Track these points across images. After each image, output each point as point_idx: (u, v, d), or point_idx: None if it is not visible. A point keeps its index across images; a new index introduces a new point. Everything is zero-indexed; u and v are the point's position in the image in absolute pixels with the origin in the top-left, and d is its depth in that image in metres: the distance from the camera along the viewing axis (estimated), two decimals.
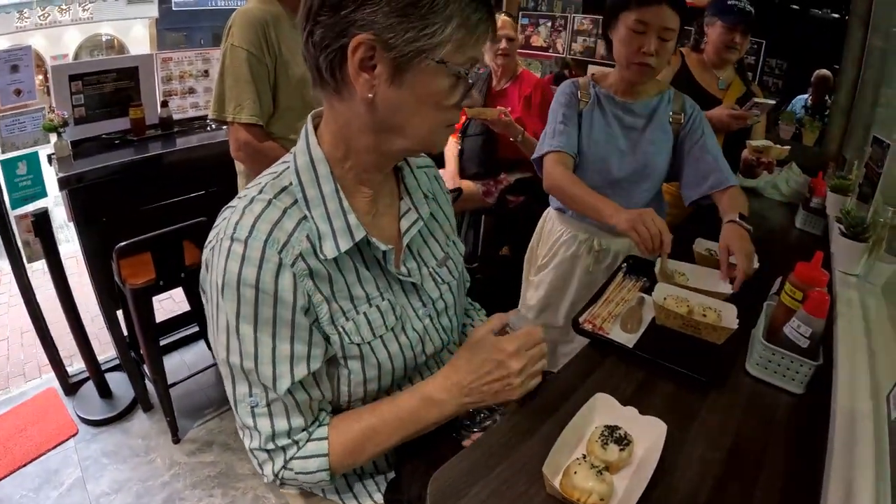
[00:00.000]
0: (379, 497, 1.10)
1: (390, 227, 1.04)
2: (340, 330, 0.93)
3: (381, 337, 0.97)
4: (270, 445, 0.92)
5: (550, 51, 4.11)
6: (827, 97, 3.05)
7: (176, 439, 2.48)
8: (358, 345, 0.94)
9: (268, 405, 0.90)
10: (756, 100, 2.23)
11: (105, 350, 2.88)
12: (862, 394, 1.08)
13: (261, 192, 0.90)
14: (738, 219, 1.61)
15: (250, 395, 0.90)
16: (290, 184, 0.91)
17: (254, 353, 0.87)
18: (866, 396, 1.07)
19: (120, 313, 2.57)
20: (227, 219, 0.88)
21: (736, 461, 1.02)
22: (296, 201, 0.90)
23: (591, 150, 1.83)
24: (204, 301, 0.92)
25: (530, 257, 2.23)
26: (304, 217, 0.89)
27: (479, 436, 1.06)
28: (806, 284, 1.23)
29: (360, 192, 0.97)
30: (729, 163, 2.27)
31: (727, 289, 1.47)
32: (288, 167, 0.94)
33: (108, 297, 2.52)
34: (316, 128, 0.96)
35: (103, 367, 2.72)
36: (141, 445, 2.46)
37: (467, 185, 2.98)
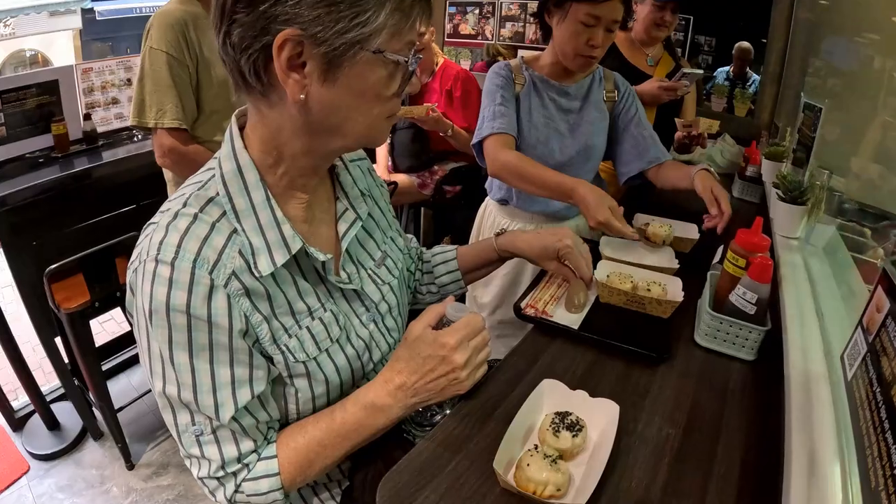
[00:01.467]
0: None
1: (328, 232, 0.98)
2: (284, 349, 0.87)
3: (326, 350, 0.92)
4: (220, 473, 0.86)
5: (479, 38, 4.08)
6: (748, 68, 3.17)
7: (130, 465, 2.39)
8: (304, 362, 0.89)
9: (213, 432, 0.84)
10: (685, 70, 2.26)
11: (50, 379, 2.77)
12: (815, 355, 1.08)
13: (185, 205, 0.82)
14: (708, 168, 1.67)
15: (193, 424, 0.84)
16: (217, 194, 0.84)
17: (192, 382, 0.80)
18: (819, 357, 1.07)
19: (60, 340, 2.46)
20: (149, 237, 0.80)
21: (693, 435, 1.01)
22: (224, 213, 0.83)
23: (532, 134, 1.81)
24: (133, 327, 0.85)
25: None
26: (235, 230, 0.82)
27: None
28: (748, 251, 1.24)
29: (294, 198, 0.91)
30: (662, 136, 2.31)
31: (672, 263, 1.47)
32: (213, 175, 0.86)
33: (45, 323, 2.41)
34: (242, 129, 0.89)
35: (49, 398, 2.61)
36: (95, 476, 2.37)
37: (402, 178, 2.96)
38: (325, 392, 0.94)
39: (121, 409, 2.36)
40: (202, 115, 1.93)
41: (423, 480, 0.87)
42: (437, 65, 2.93)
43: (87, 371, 2.21)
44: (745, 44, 3.14)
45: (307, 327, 0.90)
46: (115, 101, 2.86)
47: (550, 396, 1.03)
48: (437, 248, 1.37)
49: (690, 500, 0.87)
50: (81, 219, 2.47)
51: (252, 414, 0.86)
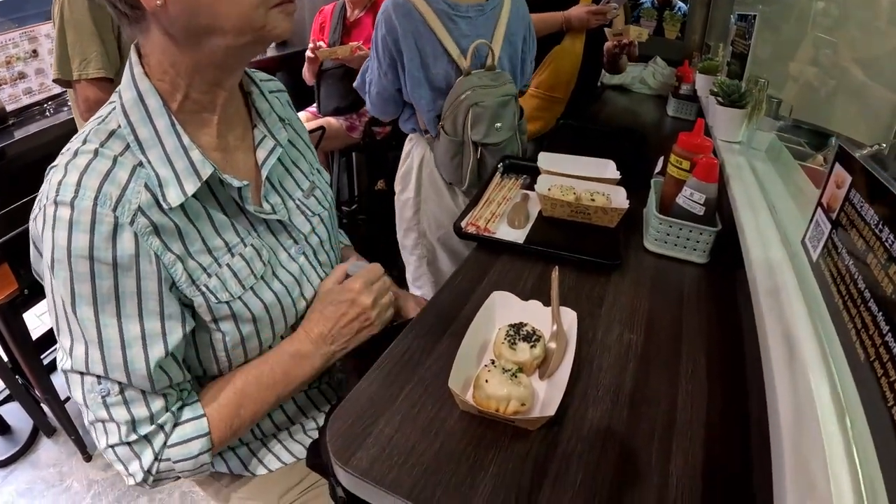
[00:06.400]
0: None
1: (245, 161, 0.91)
2: (204, 290, 0.80)
3: (251, 288, 0.85)
4: (133, 437, 0.78)
5: None
6: None
7: (87, 457, 2.30)
8: (227, 303, 0.82)
9: (121, 392, 0.77)
10: None
11: None
12: (774, 244, 1.07)
13: (84, 141, 0.75)
14: None
15: (99, 384, 0.76)
16: (119, 126, 0.77)
17: (97, 338, 0.73)
18: (779, 247, 1.05)
19: None
20: (49, 180, 0.73)
21: (655, 340, 0.99)
22: (128, 146, 0.76)
23: None
24: (46, 289, 0.77)
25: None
26: (140, 163, 0.75)
27: None
28: (691, 152, 1.22)
29: (203, 124, 0.83)
30: (593, 62, 2.32)
31: (613, 174, 1.46)
32: (114, 107, 0.79)
33: None
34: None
35: None
36: (54, 474, 2.28)
37: (330, 122, 2.87)
38: (253, 332, 0.88)
39: (67, 399, 2.26)
40: (123, 62, 1.81)
41: (374, 414, 0.82)
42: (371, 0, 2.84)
43: (28, 366, 2.10)
44: None
45: (227, 265, 0.83)
46: (21, 76, 2.67)
47: (503, 309, 0.99)
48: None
49: (661, 404, 0.86)
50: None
51: (165, 371, 0.79)
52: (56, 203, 0.69)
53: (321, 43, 2.76)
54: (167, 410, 0.80)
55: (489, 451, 0.77)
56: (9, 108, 2.61)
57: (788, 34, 1.83)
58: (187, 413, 0.83)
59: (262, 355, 0.91)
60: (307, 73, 2.87)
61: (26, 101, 2.71)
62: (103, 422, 0.77)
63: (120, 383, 0.76)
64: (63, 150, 0.76)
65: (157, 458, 0.80)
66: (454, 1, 1.71)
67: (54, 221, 0.69)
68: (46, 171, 0.75)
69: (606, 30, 2.31)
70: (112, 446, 0.78)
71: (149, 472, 0.80)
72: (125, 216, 0.71)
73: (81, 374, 0.75)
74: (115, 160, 0.73)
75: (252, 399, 0.87)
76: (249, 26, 0.73)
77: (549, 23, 2.08)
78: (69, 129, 1.84)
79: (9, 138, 2.45)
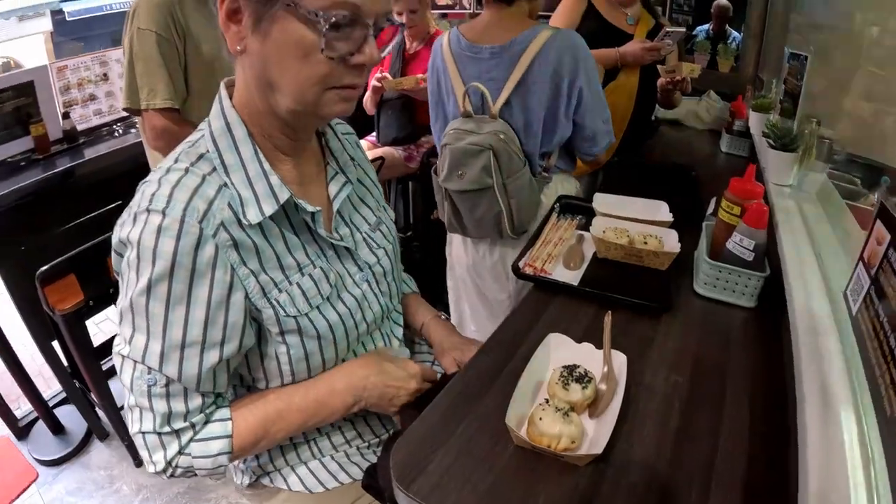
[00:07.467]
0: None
1: (319, 194, 0.98)
2: (274, 303, 0.87)
3: (317, 307, 0.92)
4: (166, 429, 0.84)
5: (457, 8, 4.07)
6: (727, 26, 3.16)
7: (138, 462, 2.37)
8: (295, 317, 0.89)
9: (166, 385, 0.83)
10: (667, 29, 2.24)
11: (51, 384, 2.74)
12: (817, 295, 1.08)
13: (176, 160, 0.84)
14: None
15: (148, 374, 0.82)
16: (207, 151, 0.85)
17: (162, 333, 0.80)
18: (822, 297, 1.07)
19: (57, 343, 2.43)
20: (141, 192, 0.81)
21: (701, 382, 1.01)
22: (214, 168, 0.84)
23: None
24: (121, 285, 0.84)
25: None
26: (225, 184, 0.83)
27: None
28: (742, 198, 1.24)
29: (279, 159, 0.91)
30: (648, 98, 2.31)
31: (666, 216, 1.47)
32: (203, 135, 0.87)
33: (41, 327, 2.38)
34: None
35: (51, 403, 2.59)
36: (104, 476, 2.36)
37: (388, 151, 2.93)
38: (318, 349, 0.94)
39: (123, 406, 2.33)
40: (191, 95, 1.90)
41: (434, 444, 0.87)
42: (429, 33, 2.90)
43: (88, 372, 2.18)
44: (724, 2, 3.12)
45: (297, 283, 0.89)
46: (92, 98, 2.81)
47: (557, 350, 1.03)
48: (405, 276, 1.35)
49: (704, 442, 0.88)
50: (68, 219, 2.43)
51: (214, 377, 0.86)
52: (148, 211, 0.77)
53: (386, 74, 2.80)
54: (201, 412, 0.87)
55: (539, 484, 0.81)
56: (79, 127, 2.75)
57: (843, 64, 1.80)
58: (217, 414, 0.89)
59: (303, 381, 0.97)
60: (369, 103, 2.92)
61: (96, 121, 2.85)
62: (141, 409, 0.83)
63: (168, 378, 0.82)
64: (155, 169, 0.84)
65: (180, 452, 0.86)
66: (472, 41, 1.70)
67: (145, 225, 0.77)
68: (138, 186, 0.83)
69: (659, 66, 2.32)
70: (143, 433, 0.84)
71: (170, 463, 0.86)
72: (210, 228, 0.78)
73: (135, 361, 0.81)
74: (203, 178, 0.81)
75: (282, 418, 0.93)
76: (303, 100, 0.81)
77: (603, 59, 2.10)
78: (136, 152, 1.93)
79: (79, 157, 2.57)
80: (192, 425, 0.86)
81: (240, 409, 0.92)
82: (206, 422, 0.88)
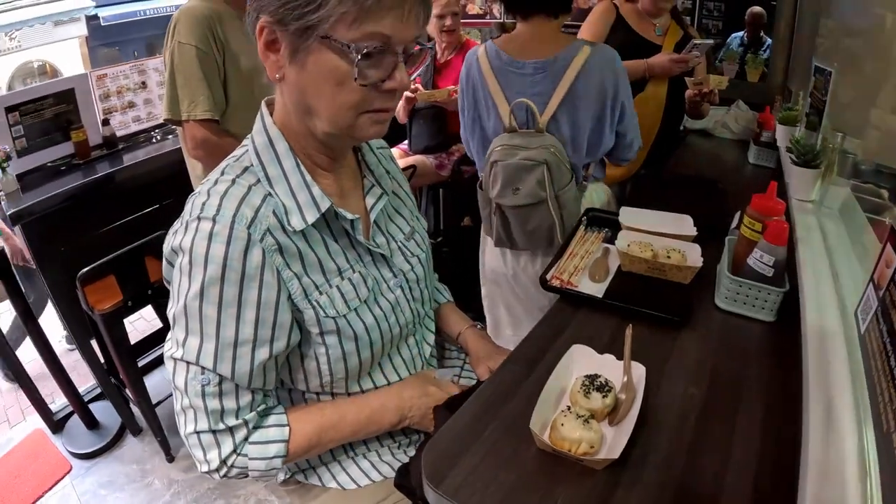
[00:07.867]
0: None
1: (357, 205, 1.04)
2: (315, 304, 0.92)
3: (355, 309, 0.97)
4: (220, 426, 0.89)
5: (487, 17, 4.11)
6: (762, 33, 3.11)
7: (170, 458, 2.44)
8: (334, 318, 0.94)
9: (219, 384, 0.88)
10: (695, 41, 2.25)
11: (85, 380, 2.82)
12: (830, 313, 1.10)
13: (223, 173, 0.90)
14: None
15: (202, 374, 0.87)
16: (251, 164, 0.91)
17: (215, 334, 0.85)
18: (835, 315, 1.09)
19: (94, 341, 2.51)
20: (192, 202, 0.87)
21: (716, 395, 1.04)
22: (259, 180, 0.90)
23: None
24: (171, 291, 0.89)
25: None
26: (269, 194, 0.89)
27: None
28: (763, 215, 1.27)
29: (319, 174, 0.96)
30: (676, 108, 2.31)
31: (690, 231, 1.50)
32: (247, 150, 0.93)
33: (79, 326, 2.46)
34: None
35: (86, 398, 2.67)
36: (136, 471, 2.43)
37: (420, 160, 2.99)
38: (355, 350, 0.98)
39: (158, 403, 2.41)
40: (230, 107, 1.96)
41: (463, 445, 0.93)
42: (461, 42, 2.97)
43: (124, 369, 2.26)
44: (758, 8, 3.08)
45: (337, 286, 0.95)
46: (131, 105, 2.89)
47: (580, 361, 1.08)
48: (439, 285, 1.40)
49: (716, 455, 0.92)
50: (107, 222, 2.51)
51: (264, 373, 0.91)
52: (199, 219, 0.83)
53: (418, 85, 2.87)
54: (251, 409, 0.92)
55: (559, 485, 0.86)
56: (118, 133, 2.83)
57: (873, 72, 1.75)
58: (272, 419, 0.95)
59: (356, 395, 1.04)
60: (401, 112, 2.96)
61: (135, 128, 2.94)
62: (196, 409, 0.88)
63: (221, 376, 0.87)
64: (203, 181, 0.91)
65: (235, 451, 0.91)
66: (514, 56, 1.72)
67: (196, 232, 0.83)
68: (188, 199, 0.89)
69: (687, 78, 2.33)
70: (198, 432, 0.89)
71: (224, 462, 0.90)
72: (257, 234, 0.84)
73: (188, 363, 0.86)
74: (249, 188, 0.88)
75: (335, 428, 1.00)
76: (339, 125, 0.86)
77: (632, 71, 2.11)
78: (174, 158, 2.00)
79: (118, 163, 2.64)
80: (245, 422, 0.91)
81: (296, 415, 0.98)
82: (259, 425, 0.93)
